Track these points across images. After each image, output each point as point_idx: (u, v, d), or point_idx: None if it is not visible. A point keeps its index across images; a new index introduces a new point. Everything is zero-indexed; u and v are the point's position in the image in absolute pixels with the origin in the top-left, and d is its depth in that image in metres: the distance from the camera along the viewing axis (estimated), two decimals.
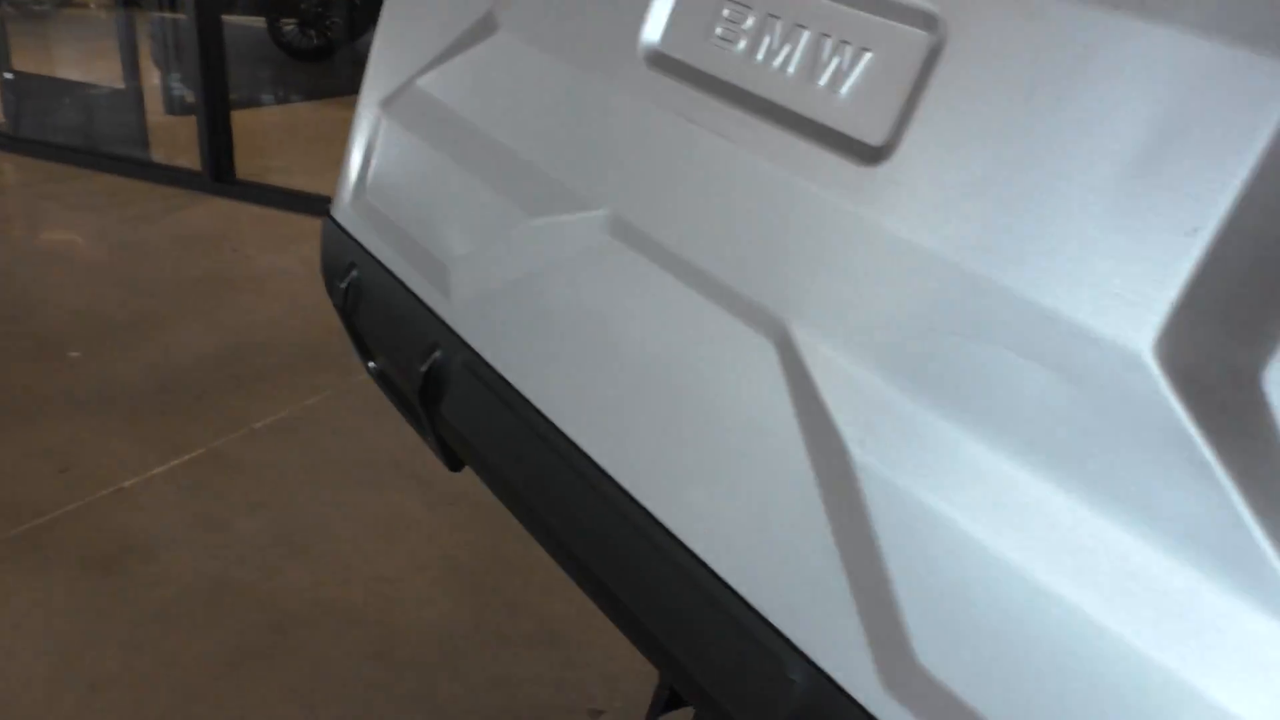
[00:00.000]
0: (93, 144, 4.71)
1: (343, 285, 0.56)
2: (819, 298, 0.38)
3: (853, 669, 0.41)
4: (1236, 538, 0.34)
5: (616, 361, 0.40)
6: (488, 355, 0.46)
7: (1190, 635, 0.35)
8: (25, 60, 5.49)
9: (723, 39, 0.37)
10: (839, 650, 0.41)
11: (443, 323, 0.47)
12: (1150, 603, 0.36)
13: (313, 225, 4.00)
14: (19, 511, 2.02)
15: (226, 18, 4.08)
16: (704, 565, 0.42)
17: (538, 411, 0.44)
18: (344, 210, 0.57)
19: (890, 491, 0.40)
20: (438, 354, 0.48)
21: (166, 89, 5.49)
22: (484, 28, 0.48)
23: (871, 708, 0.41)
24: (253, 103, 6.36)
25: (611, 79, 0.41)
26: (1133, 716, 0.36)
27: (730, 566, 0.42)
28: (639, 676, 1.71)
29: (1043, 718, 0.38)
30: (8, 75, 5.07)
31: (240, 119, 4.56)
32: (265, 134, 5.80)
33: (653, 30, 0.40)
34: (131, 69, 5.43)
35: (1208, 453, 0.34)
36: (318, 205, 4.28)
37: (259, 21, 6.94)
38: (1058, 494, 0.38)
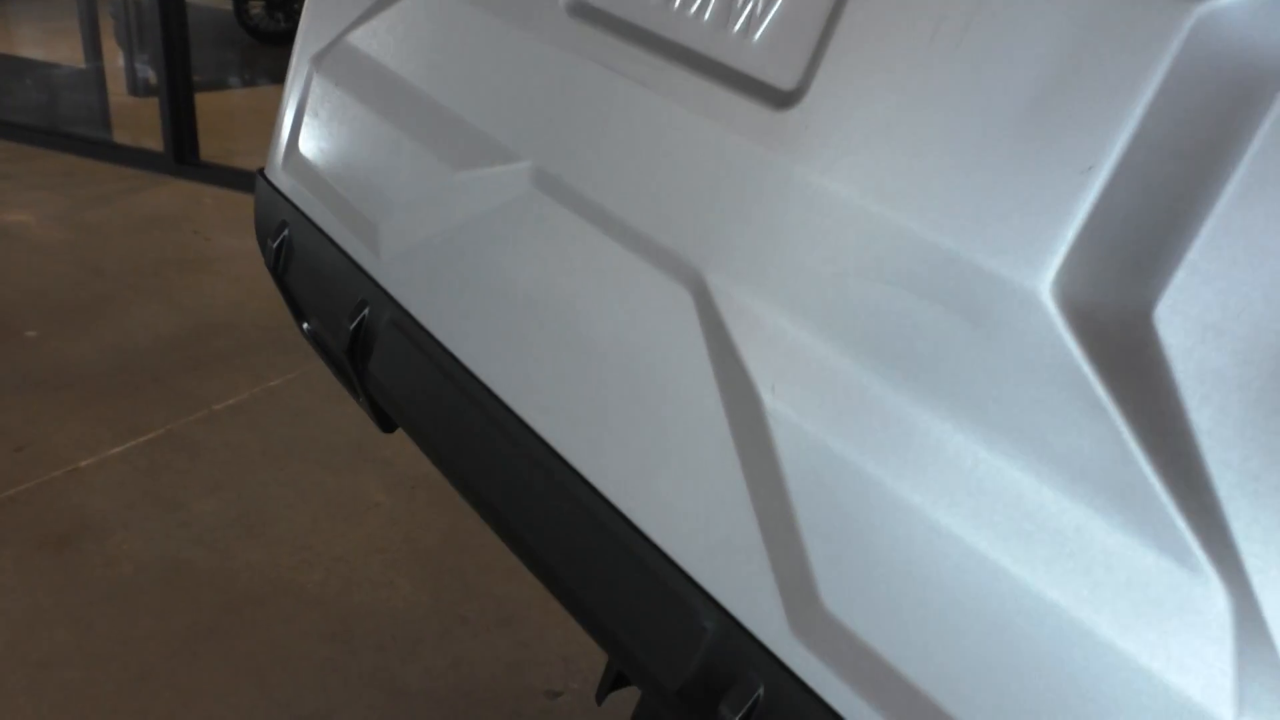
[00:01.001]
0: (53, 124, 4.63)
1: (274, 244, 0.56)
2: (733, 245, 0.39)
3: (762, 614, 0.42)
4: (1127, 474, 0.35)
5: (539, 313, 0.40)
6: (414, 310, 0.46)
7: (1082, 571, 0.36)
8: None
9: None
10: (749, 596, 0.42)
11: (371, 279, 0.47)
12: (1045, 541, 0.37)
13: None
14: None
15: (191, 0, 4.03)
16: (621, 515, 0.42)
17: (463, 366, 0.44)
18: (276, 169, 0.57)
19: (799, 437, 0.40)
20: (366, 311, 0.48)
21: (130, 69, 5.41)
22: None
23: (779, 652, 0.41)
24: (218, 85, 6.28)
25: (534, 28, 0.41)
26: (1027, 653, 0.37)
27: (646, 515, 0.42)
28: (596, 658, 1.72)
29: (943, 657, 0.38)
30: None
31: (205, 101, 4.50)
32: (230, 116, 5.73)
33: None
34: (93, 48, 5.35)
35: (1101, 391, 0.35)
36: None
37: (225, 4, 6.86)
38: (957, 435, 0.38)
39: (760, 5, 0.37)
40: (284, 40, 8.58)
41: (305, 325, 0.61)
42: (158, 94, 4.05)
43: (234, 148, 4.92)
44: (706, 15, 0.36)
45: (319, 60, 0.54)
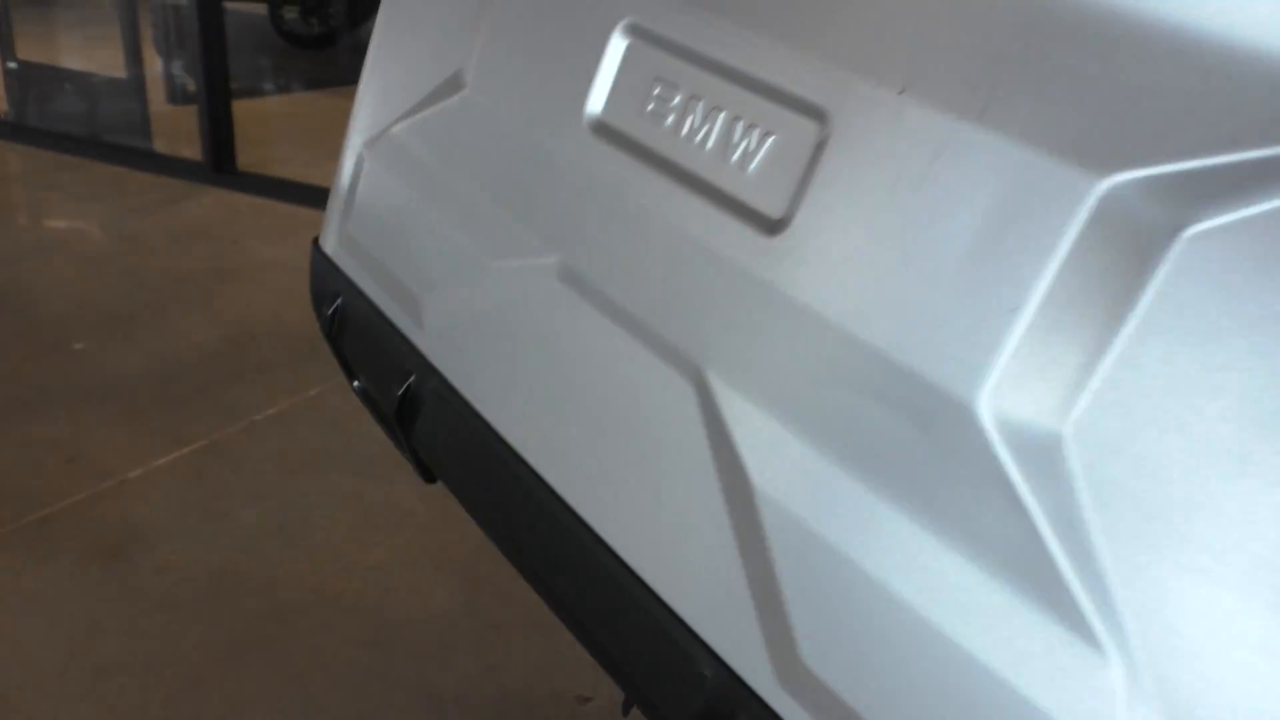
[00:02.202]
0: (95, 133, 4.74)
1: (329, 311, 0.60)
2: (728, 348, 0.44)
3: (753, 665, 0.47)
4: (1043, 563, 0.41)
5: (563, 392, 0.45)
6: (455, 381, 0.51)
7: (1007, 643, 0.42)
8: (29, 49, 5.52)
9: (654, 113, 0.42)
10: (742, 649, 0.48)
11: (416, 350, 0.52)
12: (979, 615, 0.43)
13: (312, 216, 4.04)
14: (26, 502, 2.07)
15: (228, 4, 4.10)
16: (634, 573, 0.47)
17: (497, 434, 0.49)
18: (330, 241, 0.62)
19: (783, 514, 0.47)
20: (412, 378, 0.53)
21: (169, 77, 5.52)
22: (453, 85, 0.52)
23: (770, 700, 0.47)
24: (254, 92, 6.38)
25: (560, 141, 0.46)
26: (968, 713, 0.42)
27: (655, 574, 0.47)
28: None
29: (903, 712, 0.44)
30: (11, 65, 5.11)
31: (241, 108, 4.59)
32: (266, 123, 5.82)
33: (596, 101, 0.45)
34: (134, 57, 5.45)
35: (1023, 490, 0.41)
36: (318, 196, 4.31)
37: (260, 8, 6.95)
38: (911, 523, 0.44)
39: (754, 142, 0.41)
40: (319, 45, 8.63)
41: (355, 383, 0.66)
42: (196, 102, 4.15)
43: (271, 155, 5.01)
44: (709, 145, 0.40)
45: (370, 145, 0.59)
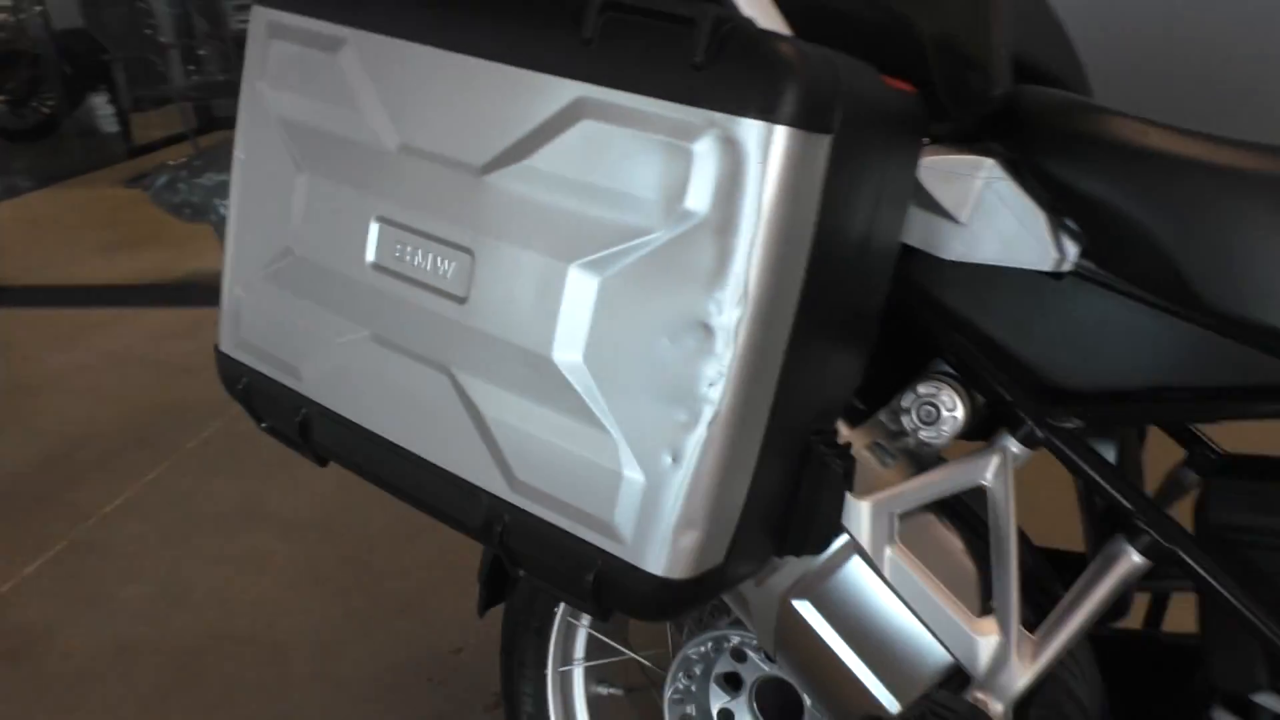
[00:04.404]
0: None
1: (239, 388, 0.99)
2: (458, 358, 0.85)
3: (498, 486, 0.84)
4: (586, 408, 0.84)
5: (383, 393, 0.85)
6: (326, 404, 0.92)
7: (575, 435, 0.86)
8: None
9: (398, 257, 0.84)
10: (494, 480, 0.83)
11: (300, 394, 0.93)
12: (569, 432, 0.87)
13: (92, 315, 4.15)
14: None
15: None
16: (432, 463, 0.86)
17: (352, 422, 0.90)
18: (226, 344, 1.01)
19: (497, 420, 0.84)
20: (304, 410, 0.94)
21: None
22: (286, 253, 0.93)
23: (510, 500, 0.84)
24: None
25: (356, 274, 0.87)
26: (574, 476, 0.84)
27: (446, 460, 0.82)
28: (485, 622, 2.18)
29: (550, 481, 0.82)
30: None
31: None
32: (11, 230, 5.71)
33: (370, 255, 0.87)
34: None
35: (571, 382, 0.86)
36: (92, 296, 4.40)
37: None
38: (540, 405, 0.88)
39: (447, 265, 0.82)
40: (40, 135, 8.18)
41: (263, 424, 1.04)
42: None
43: (28, 263, 4.97)
44: (428, 267, 0.81)
45: (242, 285, 0.97)
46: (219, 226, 4.40)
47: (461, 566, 2.35)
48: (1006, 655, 0.87)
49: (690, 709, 1.30)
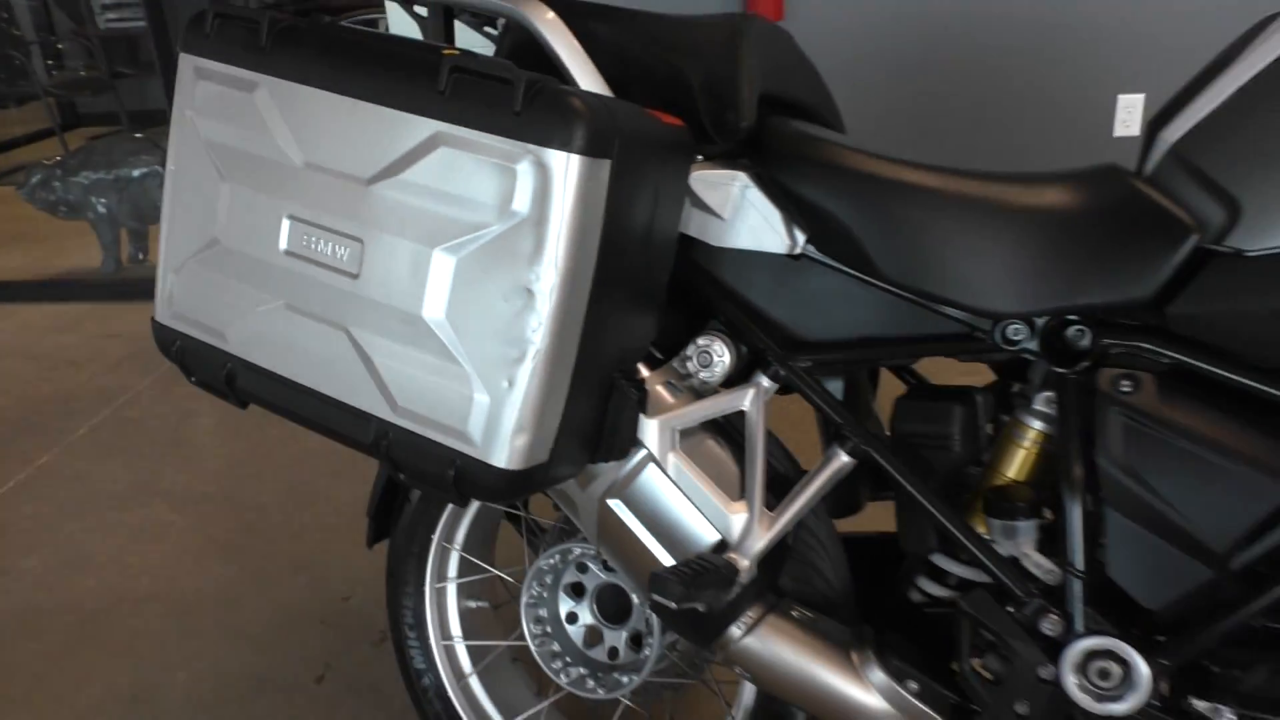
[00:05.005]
0: None
1: (174, 350, 1.26)
2: (353, 317, 1.14)
3: (383, 411, 1.15)
4: (450, 356, 1.16)
5: (294, 347, 1.15)
6: (248, 358, 1.19)
7: (442, 374, 1.17)
8: None
9: (306, 244, 1.13)
10: (379, 407, 1.15)
11: (226, 351, 1.21)
12: (441, 374, 1.18)
13: None
14: None
15: None
16: (333, 399, 1.14)
17: (270, 371, 1.18)
18: (162, 315, 1.27)
19: (382, 363, 1.15)
20: (229, 364, 1.22)
21: None
22: (213, 242, 1.20)
23: (393, 421, 1.15)
24: None
25: (271, 258, 1.15)
26: (447, 403, 1.17)
27: (346, 396, 1.14)
28: (371, 571, 2.44)
29: (431, 407, 1.17)
30: None
31: None
32: None
33: (283, 242, 1.15)
34: None
35: (438, 335, 1.17)
36: None
37: None
38: (416, 349, 1.20)
39: (344, 250, 1.11)
40: None
41: (193, 378, 1.31)
42: None
43: None
44: (330, 252, 1.11)
45: (175, 270, 1.23)
46: (97, 224, 4.49)
47: (349, 529, 2.62)
48: (751, 527, 1.22)
49: (543, 613, 1.62)
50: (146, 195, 4.49)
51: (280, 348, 1.16)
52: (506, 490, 1.09)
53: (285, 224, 1.13)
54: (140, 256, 4.67)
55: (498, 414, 1.05)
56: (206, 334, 1.22)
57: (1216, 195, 1.04)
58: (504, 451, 1.06)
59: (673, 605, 1.13)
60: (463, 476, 1.08)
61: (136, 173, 4.46)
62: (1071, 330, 1.12)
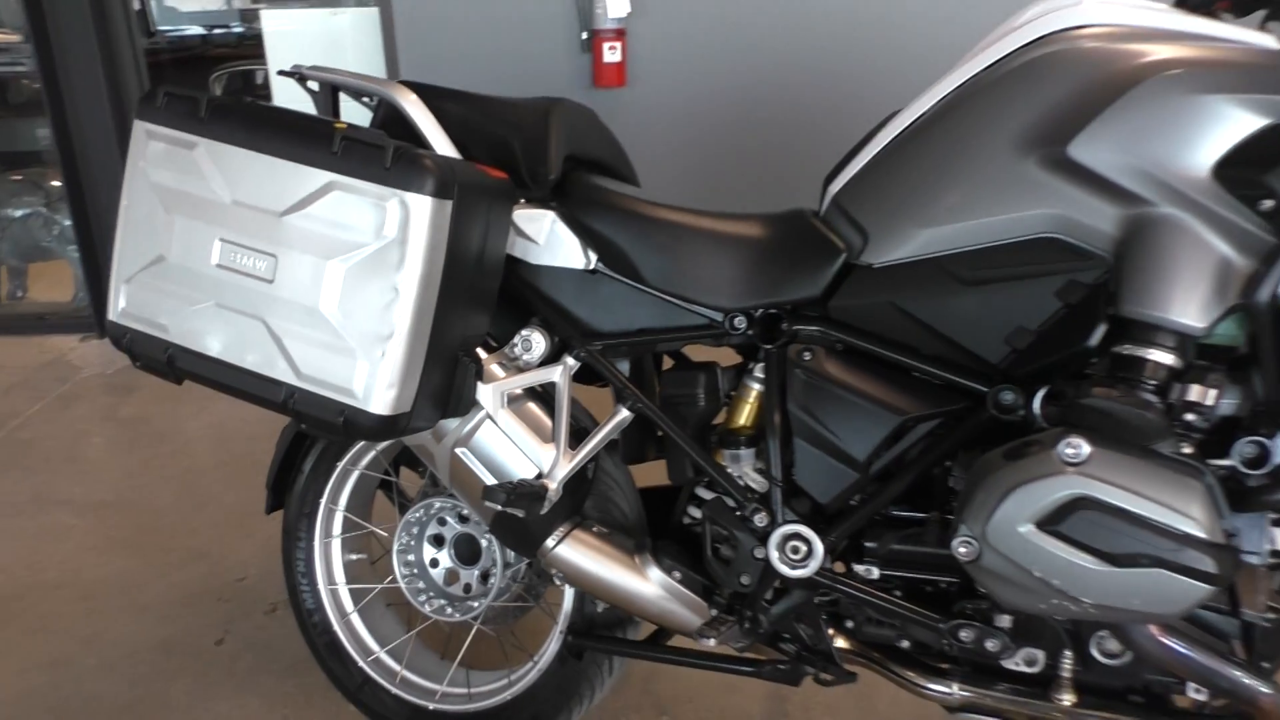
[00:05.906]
0: None
1: (124, 342, 1.66)
2: (271, 311, 1.58)
3: (289, 377, 1.62)
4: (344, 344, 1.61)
5: (223, 336, 1.58)
6: (185, 344, 1.61)
7: (342, 356, 1.62)
8: None
9: (235, 259, 1.56)
10: (288, 375, 1.61)
11: (165, 340, 1.62)
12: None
13: None
14: None
15: None
16: (258, 372, 1.59)
17: (204, 353, 1.60)
18: (114, 314, 1.67)
19: (290, 346, 1.61)
20: (169, 350, 1.63)
21: None
22: (160, 260, 1.63)
23: (301, 386, 1.61)
24: None
25: (204, 270, 1.58)
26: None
27: (271, 369, 1.60)
28: (264, 556, 2.81)
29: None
30: None
31: None
32: None
33: (215, 257, 1.58)
34: None
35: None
36: None
37: None
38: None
39: (263, 264, 1.56)
40: None
41: (138, 363, 1.71)
42: None
43: None
44: (253, 266, 1.57)
45: (126, 280, 1.64)
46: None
47: (241, 525, 2.97)
48: (557, 460, 1.70)
49: (411, 558, 2.05)
50: (29, 234, 4.73)
51: (210, 335, 1.59)
52: (381, 430, 1.54)
53: (217, 244, 1.57)
54: (19, 294, 4.88)
55: (373, 374, 1.51)
56: (152, 328, 1.64)
57: (855, 227, 1.60)
58: (379, 401, 1.51)
59: (499, 507, 1.60)
60: (349, 421, 1.53)
61: (18, 213, 4.69)
62: (773, 319, 1.66)
